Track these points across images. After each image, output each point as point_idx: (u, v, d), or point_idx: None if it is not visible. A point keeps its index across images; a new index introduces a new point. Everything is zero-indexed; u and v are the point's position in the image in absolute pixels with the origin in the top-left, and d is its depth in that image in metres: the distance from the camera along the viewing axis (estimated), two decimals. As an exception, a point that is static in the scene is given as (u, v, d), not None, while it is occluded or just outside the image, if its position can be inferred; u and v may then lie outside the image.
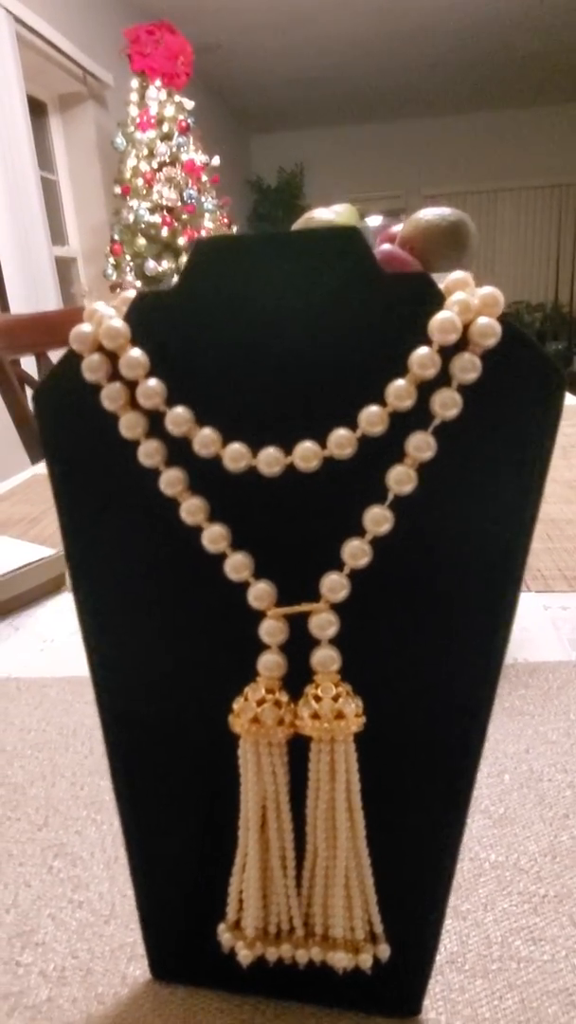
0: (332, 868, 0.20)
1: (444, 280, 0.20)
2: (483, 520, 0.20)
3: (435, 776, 0.21)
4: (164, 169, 2.57)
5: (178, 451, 0.20)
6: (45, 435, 0.22)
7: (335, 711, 0.20)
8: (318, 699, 0.20)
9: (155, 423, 0.20)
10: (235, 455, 0.20)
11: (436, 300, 0.19)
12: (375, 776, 0.21)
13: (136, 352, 0.20)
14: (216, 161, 2.75)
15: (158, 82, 2.59)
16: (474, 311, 0.19)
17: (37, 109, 2.83)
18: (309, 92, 4.74)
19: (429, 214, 0.44)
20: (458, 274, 0.20)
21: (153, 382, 0.20)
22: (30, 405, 1.29)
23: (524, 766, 0.33)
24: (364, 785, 0.20)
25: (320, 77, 4.43)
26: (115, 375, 0.20)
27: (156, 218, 2.56)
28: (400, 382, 0.19)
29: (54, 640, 0.50)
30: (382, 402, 0.19)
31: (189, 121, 2.63)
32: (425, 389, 0.19)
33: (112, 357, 0.20)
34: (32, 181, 2.41)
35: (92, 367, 0.20)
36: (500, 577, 0.20)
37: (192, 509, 0.20)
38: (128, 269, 2.64)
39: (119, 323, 0.20)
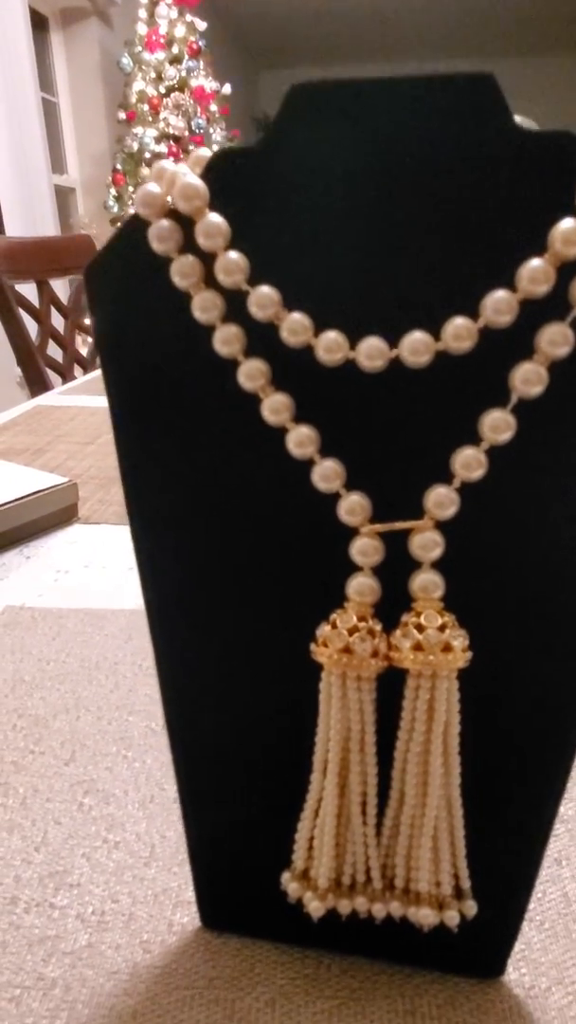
0: (420, 817, 0.18)
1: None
2: (623, 432, 0.17)
3: (540, 725, 0.19)
4: (172, 95, 2.44)
5: (261, 339, 0.17)
6: (99, 320, 0.19)
7: (441, 642, 0.17)
8: (420, 628, 0.17)
9: (234, 305, 0.17)
10: (331, 345, 0.17)
11: (587, 163, 0.16)
12: (474, 721, 0.18)
13: (216, 217, 0.17)
14: (227, 89, 2.62)
15: (169, -1, 2.44)
16: None
17: (37, 23, 2.66)
18: (320, 27, 4.52)
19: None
20: (612, 134, 0.17)
21: (234, 255, 0.17)
22: (32, 335, 1.24)
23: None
24: (462, 728, 0.18)
25: (332, 11, 4.21)
26: (188, 246, 0.17)
27: (162, 147, 2.45)
28: (536, 262, 0.16)
29: (68, 571, 0.48)
30: (512, 286, 0.16)
31: (200, 43, 2.49)
32: (565, 273, 0.16)
33: (185, 225, 0.17)
34: (32, 101, 2.29)
35: (161, 235, 0.17)
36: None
37: (276, 407, 0.17)
38: (131, 201, 2.53)
39: (197, 181, 0.17)
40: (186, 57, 2.45)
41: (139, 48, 2.47)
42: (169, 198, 0.17)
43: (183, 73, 2.45)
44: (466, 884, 0.19)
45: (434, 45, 4.95)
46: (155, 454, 0.19)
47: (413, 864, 0.19)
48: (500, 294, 0.16)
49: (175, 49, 2.46)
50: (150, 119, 2.45)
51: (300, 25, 4.50)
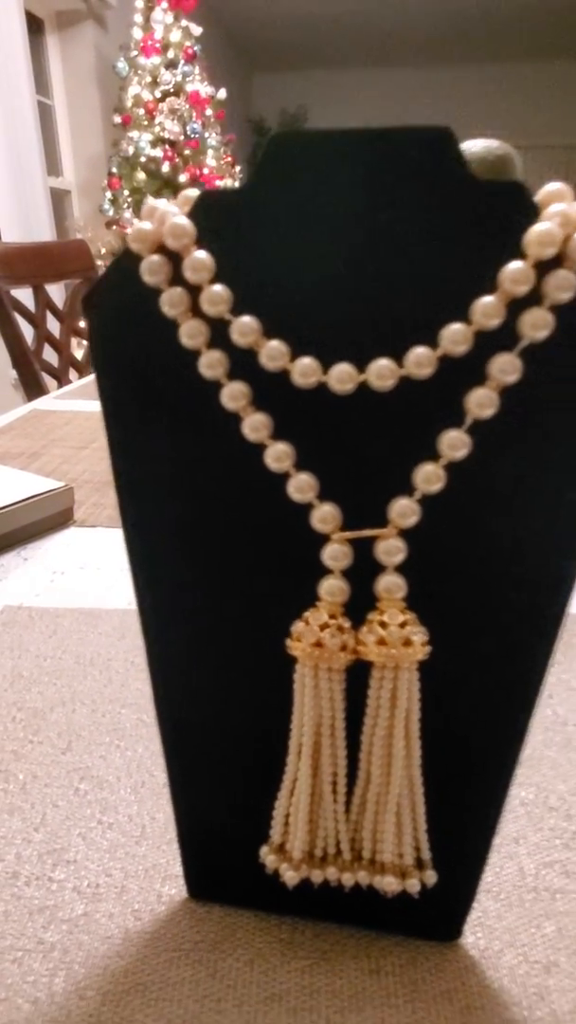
0: (385, 794, 0.20)
1: (539, 192, 0.19)
2: (566, 453, 0.19)
3: (493, 712, 0.21)
4: (168, 99, 2.45)
5: (242, 364, 0.19)
6: (95, 343, 0.21)
7: (402, 638, 0.19)
8: (384, 625, 0.19)
9: (218, 333, 0.19)
10: (305, 369, 0.19)
11: (531, 211, 0.18)
12: (433, 707, 0.20)
13: (202, 254, 0.19)
14: (222, 94, 2.64)
15: (165, 3, 2.45)
16: (574, 224, 0.18)
17: (33, 26, 2.67)
18: (316, 32, 4.53)
19: (475, 147, 0.42)
20: (554, 185, 0.19)
21: (219, 287, 0.19)
22: (28, 341, 1.25)
23: (548, 711, 0.33)
24: (422, 714, 0.20)
25: (328, 16, 4.23)
26: (176, 279, 0.19)
27: (157, 152, 2.46)
28: (488, 299, 0.18)
29: (64, 572, 0.50)
30: (467, 320, 0.18)
31: (196, 49, 2.51)
32: (514, 308, 0.18)
33: (174, 259, 0.19)
34: (28, 104, 2.30)
35: (152, 269, 0.19)
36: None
37: (256, 425, 0.19)
38: (126, 205, 2.55)
39: (184, 220, 0.19)
40: (182, 62, 2.47)
41: (135, 52, 2.49)
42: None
43: (179, 78, 2.47)
44: (426, 855, 0.21)
45: (427, 50, 4.97)
46: (146, 467, 0.21)
47: (378, 837, 0.21)
48: (456, 327, 0.18)
49: (171, 54, 2.47)
50: (145, 123, 2.47)
51: (295, 29, 4.52)
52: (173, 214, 0.19)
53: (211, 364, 0.19)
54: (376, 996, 0.20)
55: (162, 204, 0.20)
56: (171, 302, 0.19)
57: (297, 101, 5.55)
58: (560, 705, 0.34)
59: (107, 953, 0.22)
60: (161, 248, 0.19)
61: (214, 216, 0.19)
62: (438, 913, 0.22)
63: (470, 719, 0.21)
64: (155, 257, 0.19)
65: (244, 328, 0.19)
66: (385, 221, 0.19)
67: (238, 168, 2.92)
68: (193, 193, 0.20)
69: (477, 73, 5.38)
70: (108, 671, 0.37)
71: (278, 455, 0.19)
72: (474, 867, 0.22)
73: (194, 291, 0.19)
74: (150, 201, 0.20)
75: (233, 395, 0.19)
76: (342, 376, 0.19)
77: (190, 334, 0.19)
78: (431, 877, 0.21)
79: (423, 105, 5.52)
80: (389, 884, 0.20)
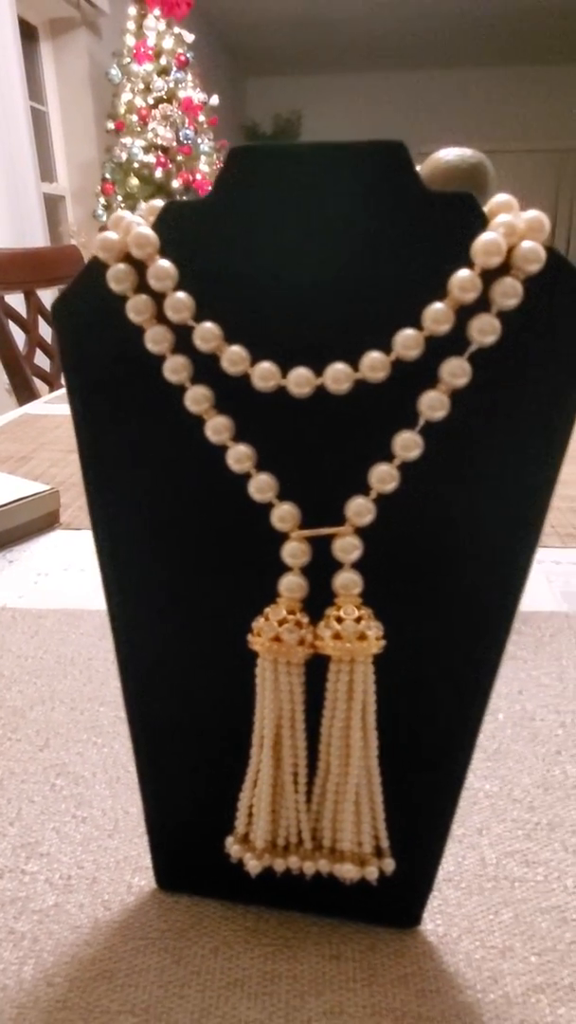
0: (343, 784, 0.21)
1: (487, 202, 0.20)
2: (513, 451, 0.20)
3: (447, 703, 0.21)
4: (160, 106, 2.47)
5: (205, 368, 0.20)
6: (64, 348, 0.21)
7: (357, 632, 0.20)
8: (340, 620, 0.20)
9: (182, 338, 0.20)
10: (265, 374, 0.19)
11: (479, 221, 0.19)
12: (389, 699, 0.21)
13: (165, 263, 0.19)
14: (215, 101, 2.65)
15: (157, 11, 2.47)
16: (519, 235, 0.18)
17: (27, 33, 2.68)
18: (308, 35, 4.56)
19: (449, 155, 0.43)
20: (502, 197, 0.20)
21: (182, 295, 0.19)
22: (19, 346, 1.26)
23: (517, 706, 0.34)
24: (379, 707, 0.21)
25: (321, 20, 4.25)
26: (141, 287, 0.20)
27: (150, 158, 2.47)
28: (438, 305, 0.19)
29: (48, 574, 0.50)
30: (418, 325, 0.19)
31: (188, 55, 2.52)
32: (463, 314, 0.19)
33: (139, 267, 0.20)
34: (21, 110, 2.31)
35: (118, 277, 0.20)
36: (525, 513, 0.20)
37: (218, 427, 0.20)
38: (119, 210, 2.56)
39: (148, 231, 0.20)
40: (174, 69, 2.49)
41: (127, 59, 2.50)
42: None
43: (171, 84, 2.48)
44: (385, 844, 0.22)
45: (420, 54, 5.00)
46: (112, 467, 0.21)
47: (338, 826, 0.21)
48: (408, 332, 0.19)
49: (163, 61, 2.49)
50: (138, 130, 2.48)
51: (288, 34, 4.55)
52: (138, 224, 0.20)
53: (175, 369, 0.20)
54: (335, 981, 0.21)
55: (128, 215, 0.20)
56: (136, 309, 0.20)
57: (291, 106, 5.57)
58: (529, 701, 0.34)
59: (76, 942, 0.22)
60: (127, 257, 0.20)
61: (177, 226, 0.20)
62: (398, 900, 0.23)
63: (426, 710, 0.21)
64: (121, 266, 0.20)
65: (206, 334, 0.19)
66: (341, 231, 0.19)
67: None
68: (158, 204, 0.21)
69: (468, 77, 5.41)
70: (88, 670, 0.38)
71: (239, 456, 0.20)
72: (431, 855, 0.22)
73: (159, 298, 0.20)
74: (117, 212, 0.21)
75: (196, 399, 0.20)
76: (300, 380, 0.19)
77: (155, 340, 0.20)
78: (389, 865, 0.21)
79: (415, 109, 5.55)
80: (348, 872, 0.21)
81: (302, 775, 0.21)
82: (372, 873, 0.21)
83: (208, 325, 0.19)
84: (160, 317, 0.20)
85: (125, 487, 0.22)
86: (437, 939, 0.23)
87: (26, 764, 0.30)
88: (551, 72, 5.35)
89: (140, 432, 0.21)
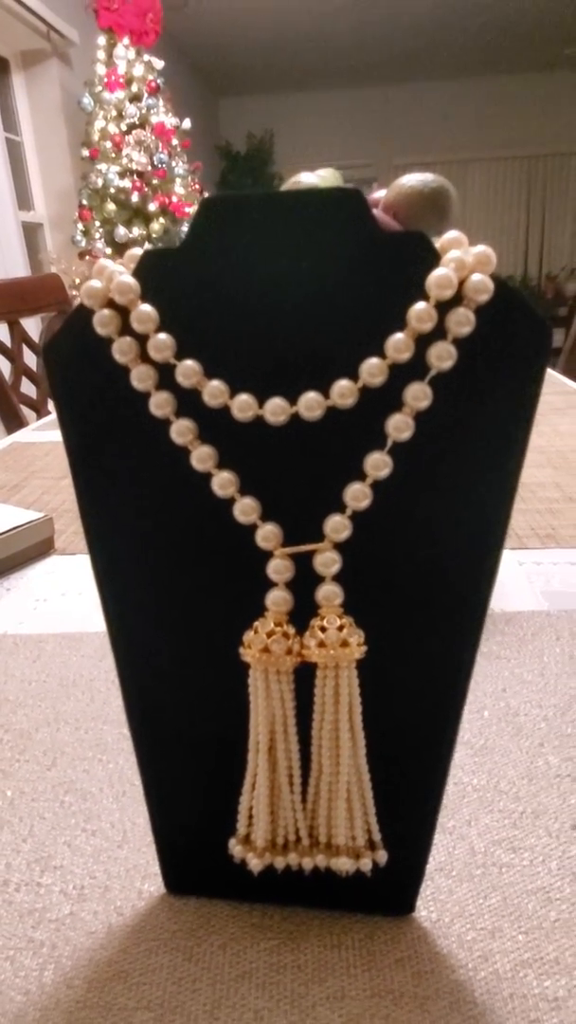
0: (335, 783, 0.22)
1: (439, 239, 0.22)
2: (475, 465, 0.21)
3: (428, 701, 0.23)
4: (134, 132, 2.50)
5: (188, 402, 0.21)
6: (56, 389, 0.23)
7: (340, 640, 0.21)
8: (323, 629, 0.22)
9: (165, 376, 0.21)
10: (243, 405, 0.21)
11: (432, 257, 0.20)
12: (374, 701, 0.23)
13: (146, 307, 0.21)
14: (187, 124, 2.69)
15: (126, 40, 2.51)
16: (468, 268, 0.20)
17: (-1, 66, 2.72)
18: (279, 54, 4.63)
19: (412, 180, 0.45)
20: (453, 234, 0.22)
21: (163, 336, 0.21)
22: (5, 374, 1.27)
23: (502, 703, 0.36)
24: (364, 709, 0.22)
25: (290, 39, 4.32)
26: (125, 329, 0.21)
27: (126, 183, 2.50)
28: (399, 335, 0.20)
29: (47, 600, 0.52)
30: (382, 354, 0.21)
31: (159, 82, 2.56)
32: (422, 342, 0.20)
33: (122, 312, 0.21)
34: (-4, 141, 2.33)
35: (103, 321, 0.21)
36: (489, 521, 0.22)
37: (202, 456, 0.22)
38: (98, 235, 2.58)
39: (129, 279, 0.21)
40: (145, 95, 2.53)
41: (99, 88, 2.54)
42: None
43: (143, 111, 2.52)
44: (377, 836, 0.23)
45: (389, 69, 5.09)
46: (106, 497, 0.23)
47: (332, 822, 0.23)
48: (373, 361, 0.21)
49: (134, 88, 2.53)
50: (113, 156, 2.52)
51: (258, 55, 4.62)
52: (120, 273, 0.22)
53: (160, 404, 0.22)
54: (337, 967, 0.22)
55: (110, 264, 0.22)
56: (121, 350, 0.21)
57: (263, 124, 5.64)
58: (512, 697, 0.36)
59: (92, 946, 0.24)
60: (110, 303, 0.21)
61: (156, 272, 0.22)
62: (392, 890, 0.24)
63: (408, 709, 0.23)
64: (105, 311, 0.21)
65: (187, 371, 0.21)
66: (306, 271, 0.21)
67: (206, 195, 2.97)
68: (137, 252, 0.23)
69: (437, 90, 5.50)
70: (90, 691, 0.39)
71: (223, 482, 0.22)
72: (422, 845, 0.24)
73: (142, 340, 0.21)
74: (100, 261, 0.23)
75: (181, 431, 0.22)
76: (275, 409, 0.21)
77: (140, 378, 0.21)
78: (382, 856, 0.23)
79: (387, 124, 5.64)
80: (344, 864, 0.22)
81: (297, 776, 0.23)
82: (366, 865, 0.23)
83: (189, 363, 0.21)
84: (144, 357, 0.21)
85: (119, 515, 0.23)
86: (431, 924, 0.24)
87: (35, 783, 0.32)
88: (517, 81, 5.45)
89: (130, 463, 0.23)
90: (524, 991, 0.22)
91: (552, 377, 1.23)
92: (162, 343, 0.21)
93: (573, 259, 5.97)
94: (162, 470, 0.22)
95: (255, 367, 0.21)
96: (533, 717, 0.34)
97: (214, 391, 0.21)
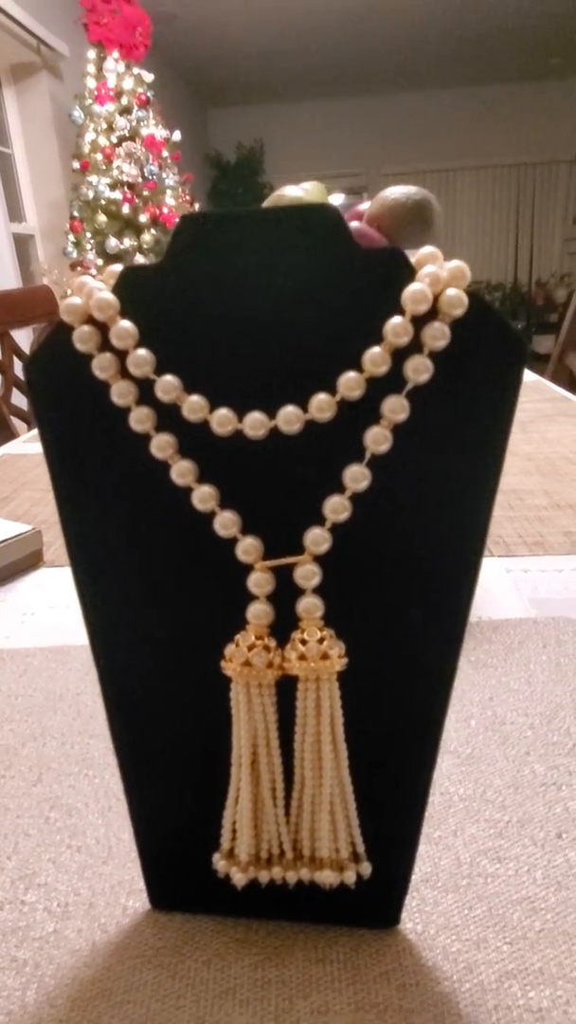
0: (318, 795, 0.22)
1: (415, 255, 0.22)
2: (452, 477, 0.21)
3: (410, 712, 0.23)
4: (124, 144, 2.52)
5: (168, 417, 0.21)
6: (37, 404, 0.23)
7: (320, 652, 0.21)
8: (304, 642, 0.22)
9: (145, 391, 0.21)
10: (222, 420, 0.21)
11: (408, 273, 0.21)
12: (356, 712, 0.23)
13: (126, 323, 0.21)
14: (177, 136, 2.71)
15: (116, 53, 2.53)
16: (443, 283, 0.20)
17: (-11, 79, 2.73)
18: (268, 66, 4.67)
19: (395, 192, 0.46)
20: (428, 249, 0.22)
21: (143, 351, 0.21)
22: (-6, 385, 1.27)
23: (488, 712, 0.36)
24: (346, 720, 0.22)
25: (279, 50, 4.36)
26: (105, 345, 0.21)
27: (117, 194, 2.51)
28: (376, 349, 0.21)
29: (35, 613, 0.51)
30: (359, 368, 0.21)
31: (149, 94, 2.58)
32: (399, 356, 0.20)
33: (102, 328, 0.21)
34: (-14, 154, 2.34)
35: (83, 338, 0.21)
36: (468, 531, 0.22)
37: (182, 471, 0.22)
38: (89, 247, 2.59)
39: (108, 295, 0.21)
40: (135, 108, 2.54)
41: (89, 101, 2.55)
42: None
43: (133, 123, 2.54)
44: (361, 849, 0.23)
45: (377, 79, 5.13)
46: (87, 511, 0.23)
47: (316, 835, 0.23)
48: (351, 374, 0.21)
49: (124, 100, 2.55)
50: (104, 168, 2.53)
51: (246, 65, 4.66)
52: (99, 289, 0.22)
53: (140, 419, 0.22)
54: (322, 982, 0.22)
55: (90, 281, 0.22)
56: (101, 366, 0.21)
57: (253, 134, 5.68)
58: (499, 706, 0.36)
59: (75, 965, 0.24)
60: (90, 319, 0.22)
61: (136, 288, 0.22)
62: (377, 902, 0.24)
63: (390, 720, 0.23)
64: (85, 328, 0.21)
65: (166, 386, 0.21)
66: (284, 287, 0.21)
67: (197, 205, 2.99)
68: (118, 268, 0.23)
69: (427, 99, 5.56)
70: (77, 704, 0.39)
71: (203, 496, 0.22)
72: (405, 856, 0.24)
73: (122, 355, 0.21)
74: (80, 278, 0.23)
75: (160, 446, 0.22)
76: (254, 423, 0.21)
77: (120, 394, 0.22)
78: (367, 868, 0.23)
79: (376, 133, 5.69)
80: (327, 877, 0.22)
81: (280, 789, 0.23)
82: (350, 877, 0.23)
83: (168, 378, 0.21)
84: (124, 372, 0.21)
85: (100, 529, 0.23)
86: (416, 936, 0.24)
87: (20, 800, 0.32)
88: (505, 91, 5.51)
89: (111, 478, 0.23)
90: (509, 1002, 0.22)
91: (541, 384, 1.24)
92: (141, 359, 0.21)
93: (563, 265, 6.03)
94: (142, 484, 0.23)
95: (234, 382, 0.22)
96: (519, 726, 0.34)
97: (193, 406, 0.21)
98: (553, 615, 0.46)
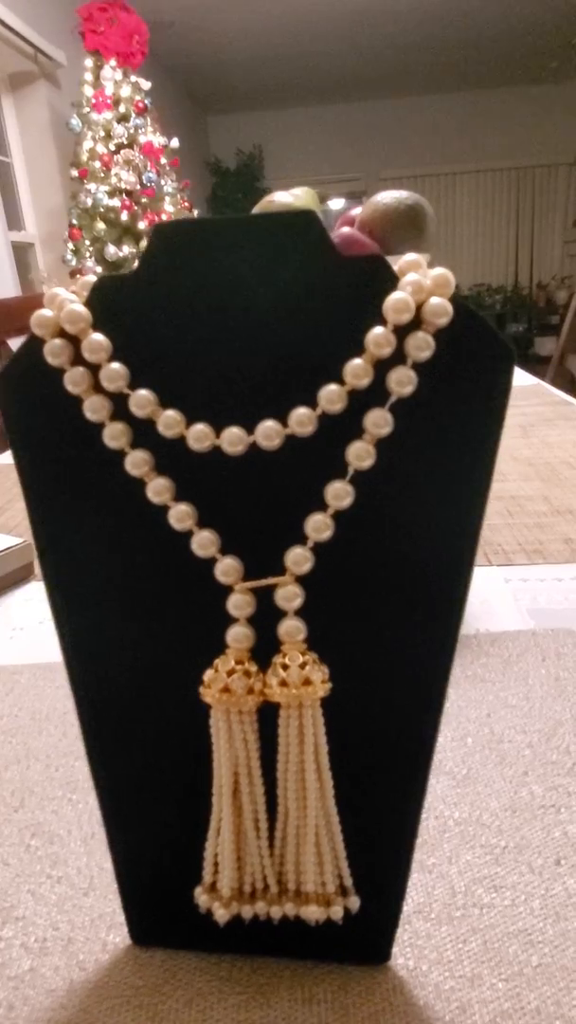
0: (303, 827, 0.21)
1: (397, 262, 0.21)
2: (439, 493, 0.20)
3: (398, 738, 0.22)
4: (122, 151, 2.52)
5: (143, 433, 0.21)
6: (9, 420, 0.22)
7: (302, 678, 0.20)
8: (286, 667, 0.21)
9: (119, 406, 0.21)
10: (199, 435, 0.20)
11: (390, 281, 0.20)
12: (341, 739, 0.22)
13: (98, 336, 0.20)
14: (175, 143, 2.71)
15: (113, 61, 2.53)
16: (427, 291, 0.19)
17: (-13, 89, 2.74)
18: (266, 71, 4.68)
19: (387, 197, 0.45)
20: (411, 256, 0.21)
21: (116, 365, 0.20)
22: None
23: (486, 729, 0.35)
24: (331, 748, 0.21)
25: (277, 56, 4.37)
26: (78, 359, 0.21)
27: (115, 202, 2.51)
28: (357, 361, 0.20)
29: (23, 628, 0.50)
30: (340, 380, 0.20)
31: (146, 102, 2.58)
32: (381, 367, 0.20)
33: (74, 341, 0.21)
34: (-15, 163, 2.34)
35: (54, 351, 0.21)
36: (457, 547, 0.21)
37: (158, 489, 0.21)
38: (88, 254, 2.59)
39: (80, 307, 0.21)
40: (133, 115, 2.54)
41: (87, 109, 2.56)
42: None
43: (131, 131, 2.54)
44: (348, 882, 0.22)
45: (376, 84, 5.14)
46: (62, 531, 0.22)
47: (301, 868, 0.22)
48: (331, 387, 0.20)
49: (122, 108, 2.55)
50: (102, 175, 2.53)
51: (245, 72, 4.67)
52: (71, 301, 0.21)
53: (114, 435, 0.21)
54: (308, 1024, 0.21)
55: (62, 292, 0.21)
56: (73, 381, 0.21)
57: (252, 140, 5.70)
58: (496, 723, 0.35)
59: (51, 1006, 0.23)
60: (62, 332, 0.21)
61: (109, 300, 0.21)
62: (366, 938, 0.23)
63: (377, 747, 0.22)
64: (56, 341, 0.21)
65: (141, 401, 0.20)
66: (261, 296, 0.20)
67: (196, 212, 2.99)
68: (91, 279, 0.22)
69: (426, 103, 5.57)
70: (63, 724, 0.38)
71: (180, 515, 0.21)
72: (396, 890, 0.23)
73: (95, 369, 0.21)
74: (52, 289, 0.22)
75: (135, 463, 0.21)
76: (232, 439, 0.20)
77: (93, 409, 0.21)
78: (355, 903, 0.22)
79: (375, 137, 5.69)
80: (312, 913, 0.21)
81: (263, 821, 0.22)
82: (337, 912, 0.22)
83: (143, 392, 0.20)
84: (97, 387, 0.21)
85: (74, 550, 0.22)
86: (407, 973, 0.23)
87: (1, 827, 0.31)
88: (504, 95, 5.52)
89: (86, 496, 0.22)
90: (504, 1046, 0.20)
91: (541, 388, 1.23)
92: (114, 373, 0.20)
93: (563, 268, 6.02)
94: (118, 503, 0.22)
95: (211, 396, 0.21)
96: (517, 744, 0.33)
97: (169, 421, 0.20)
98: (552, 626, 0.44)
